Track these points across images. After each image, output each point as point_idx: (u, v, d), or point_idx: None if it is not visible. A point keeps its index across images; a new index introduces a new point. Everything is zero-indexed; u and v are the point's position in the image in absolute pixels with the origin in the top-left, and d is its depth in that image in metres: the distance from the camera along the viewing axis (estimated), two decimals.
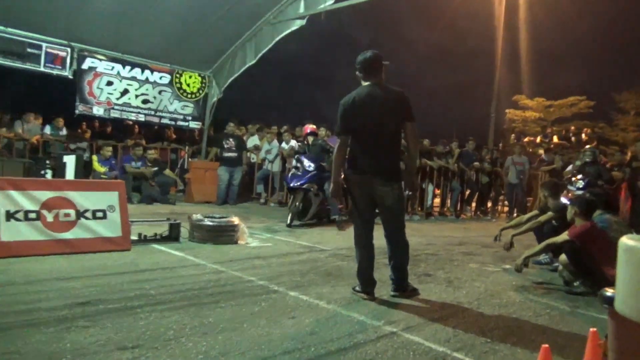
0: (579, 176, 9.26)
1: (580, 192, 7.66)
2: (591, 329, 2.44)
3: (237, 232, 6.21)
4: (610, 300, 1.46)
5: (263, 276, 4.55)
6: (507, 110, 28.35)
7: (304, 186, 8.34)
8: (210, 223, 6.10)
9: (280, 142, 11.95)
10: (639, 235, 1.39)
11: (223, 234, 6.08)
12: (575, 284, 4.87)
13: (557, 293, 4.76)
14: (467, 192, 12.62)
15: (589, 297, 4.51)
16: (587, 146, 12.11)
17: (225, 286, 4.14)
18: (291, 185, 8.48)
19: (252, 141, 12.48)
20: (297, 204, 8.33)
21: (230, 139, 11.06)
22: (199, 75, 12.50)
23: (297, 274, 4.75)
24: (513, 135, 22.68)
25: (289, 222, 8.12)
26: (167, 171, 11.08)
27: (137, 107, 11.68)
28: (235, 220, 6.30)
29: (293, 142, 11.66)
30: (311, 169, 8.53)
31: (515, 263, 5.18)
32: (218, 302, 3.64)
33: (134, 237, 5.63)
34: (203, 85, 12.58)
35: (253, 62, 11.53)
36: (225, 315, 3.37)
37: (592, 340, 2.39)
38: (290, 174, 8.90)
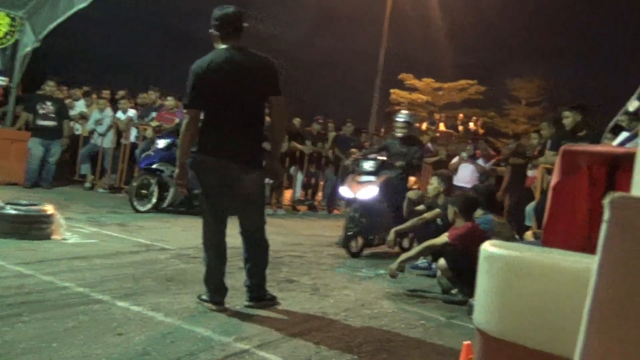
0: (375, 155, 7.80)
1: (368, 179, 7.09)
2: (464, 342, 2.68)
3: (50, 224, 5.93)
4: None
5: (83, 282, 4.38)
6: (391, 91, 29.90)
7: (154, 166, 8.64)
8: (14, 212, 5.77)
9: (115, 110, 11.53)
10: (503, 242, 1.53)
11: (31, 227, 5.78)
12: (453, 291, 5.31)
13: (434, 302, 5.16)
14: None
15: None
16: (403, 111, 9.48)
17: (30, 294, 3.92)
18: (141, 166, 8.99)
19: (78, 107, 11.94)
20: (135, 183, 8.79)
21: (48, 103, 10.48)
22: (8, 15, 11.53)
23: (128, 279, 4.64)
24: None
25: (130, 203, 8.59)
26: None
27: None
28: (49, 208, 6.02)
29: (132, 112, 11.36)
30: (162, 146, 8.82)
31: (389, 267, 5.51)
32: (20, 316, 3.45)
33: None
34: (12, 29, 11.63)
35: (84, 5, 10.85)
36: (29, 332, 3.21)
37: (465, 353, 2.61)
38: (144, 155, 9.33)
